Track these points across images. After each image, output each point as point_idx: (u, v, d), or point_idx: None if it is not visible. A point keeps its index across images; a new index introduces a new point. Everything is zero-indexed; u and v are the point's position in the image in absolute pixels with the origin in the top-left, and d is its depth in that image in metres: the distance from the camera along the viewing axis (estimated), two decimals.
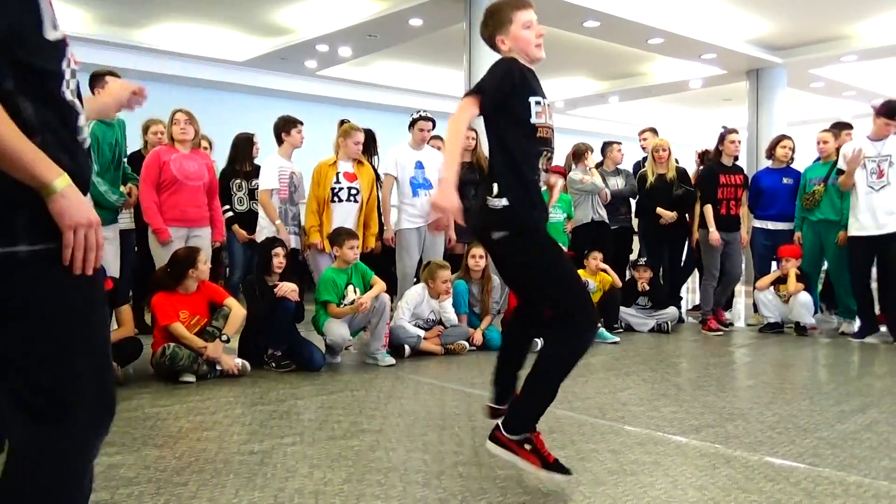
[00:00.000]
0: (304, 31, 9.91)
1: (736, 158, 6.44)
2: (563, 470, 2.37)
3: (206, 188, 5.17)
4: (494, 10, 2.61)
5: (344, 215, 5.31)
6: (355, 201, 5.38)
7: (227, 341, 4.29)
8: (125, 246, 5.30)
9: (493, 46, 2.62)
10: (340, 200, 5.33)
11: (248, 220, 5.85)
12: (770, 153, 6.72)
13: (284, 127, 5.48)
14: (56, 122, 1.30)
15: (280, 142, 5.52)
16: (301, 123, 5.54)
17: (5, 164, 1.21)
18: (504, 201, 2.47)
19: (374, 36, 9.62)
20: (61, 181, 1.26)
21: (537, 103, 2.52)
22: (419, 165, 5.63)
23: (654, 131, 7.58)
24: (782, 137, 6.73)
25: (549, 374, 2.44)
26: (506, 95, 2.47)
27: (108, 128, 4.75)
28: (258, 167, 5.95)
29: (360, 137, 5.40)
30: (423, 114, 5.71)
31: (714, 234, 6.17)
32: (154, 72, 10.55)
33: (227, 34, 10.28)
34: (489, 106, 2.46)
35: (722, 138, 6.41)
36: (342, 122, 5.58)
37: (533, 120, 2.51)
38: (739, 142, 6.47)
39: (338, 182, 5.33)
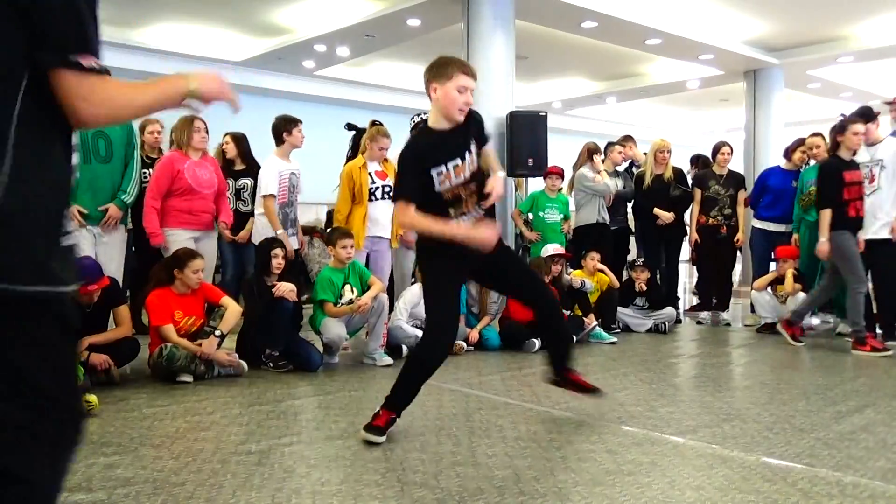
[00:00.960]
0: (302, 31, 9.90)
1: (854, 153, 5.40)
2: (379, 434, 2.91)
3: (215, 194, 5.15)
4: (443, 62, 2.97)
5: (380, 213, 5.32)
6: (391, 198, 5.32)
7: (222, 337, 4.27)
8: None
9: (427, 90, 2.99)
10: (377, 199, 5.31)
11: (235, 219, 5.78)
12: (789, 155, 6.69)
13: (285, 126, 5.43)
14: None
15: (280, 142, 5.47)
16: (301, 122, 5.51)
17: (163, 101, 1.43)
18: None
19: (371, 36, 9.61)
20: (191, 80, 1.45)
21: (439, 173, 2.92)
22: None
23: (629, 139, 7.59)
24: (802, 142, 6.59)
25: (406, 372, 3.03)
26: (416, 186, 2.92)
27: None
28: (250, 167, 5.93)
29: (387, 144, 5.39)
30: (424, 116, 5.68)
31: (823, 246, 5.21)
32: (151, 71, 10.51)
33: (225, 34, 10.26)
34: (415, 203, 2.91)
35: (842, 128, 5.31)
36: (373, 123, 5.56)
37: (437, 188, 2.93)
38: (864, 134, 5.39)
39: (373, 182, 5.31)
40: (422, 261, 3.14)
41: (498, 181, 3.03)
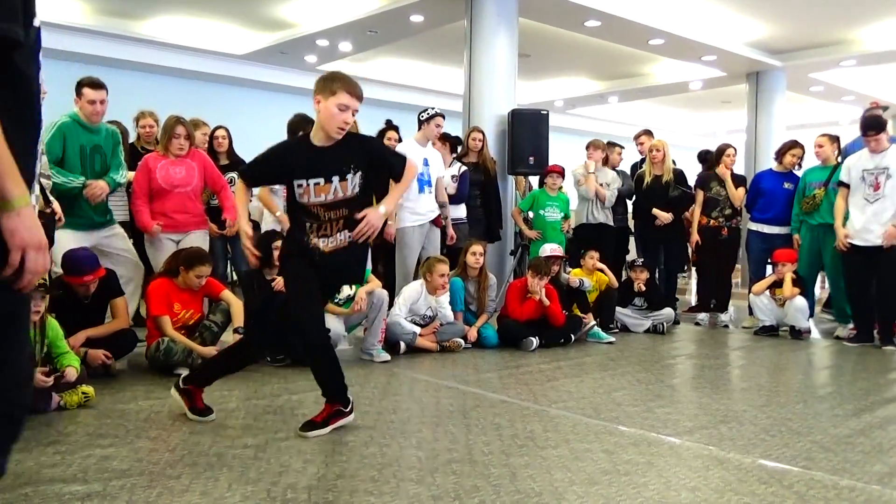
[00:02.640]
0: (305, 25, 9.90)
1: None
2: (206, 413, 3.14)
3: (197, 191, 5.07)
4: (330, 77, 2.96)
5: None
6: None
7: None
8: None
9: (313, 100, 2.95)
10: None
11: (219, 214, 5.66)
12: (779, 157, 6.70)
13: (304, 126, 5.34)
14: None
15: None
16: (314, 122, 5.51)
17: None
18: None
19: (374, 32, 9.61)
20: (22, 199, 1.21)
21: (298, 185, 2.95)
22: (426, 163, 5.58)
23: (649, 133, 7.57)
24: (794, 144, 6.62)
25: (234, 354, 3.23)
26: (262, 176, 3.27)
27: (86, 131, 4.59)
28: (234, 161, 5.95)
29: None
30: (437, 110, 5.69)
31: None
32: (153, 64, 10.52)
33: (228, 27, 10.26)
34: (249, 184, 3.25)
35: None
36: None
37: (297, 199, 2.97)
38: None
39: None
40: (283, 262, 3.20)
41: (374, 213, 2.96)
